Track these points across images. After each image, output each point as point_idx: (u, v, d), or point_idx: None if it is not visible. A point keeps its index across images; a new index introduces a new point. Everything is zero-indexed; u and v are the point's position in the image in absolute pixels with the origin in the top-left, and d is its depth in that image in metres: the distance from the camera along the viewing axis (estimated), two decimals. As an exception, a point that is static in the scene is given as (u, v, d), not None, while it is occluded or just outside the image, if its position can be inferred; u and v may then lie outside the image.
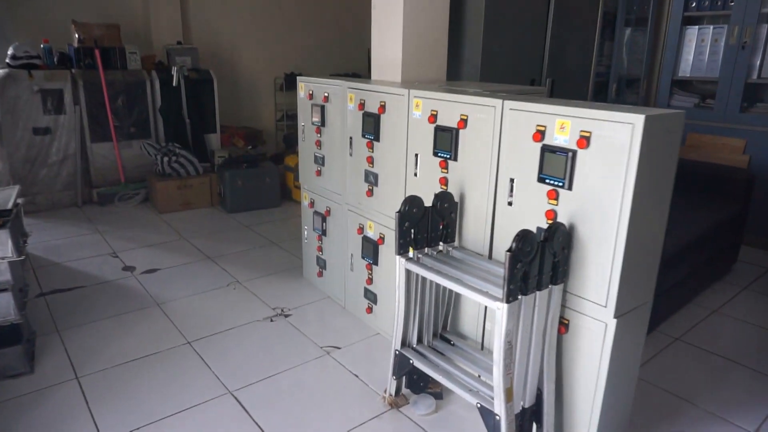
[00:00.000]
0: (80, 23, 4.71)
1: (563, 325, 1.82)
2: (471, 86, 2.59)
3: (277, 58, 6.76)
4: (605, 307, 1.69)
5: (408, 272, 2.00)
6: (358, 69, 7.37)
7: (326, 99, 2.83)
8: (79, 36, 4.66)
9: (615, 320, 1.69)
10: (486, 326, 2.14)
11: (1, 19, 4.96)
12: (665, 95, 4.47)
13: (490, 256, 2.06)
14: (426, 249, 2.06)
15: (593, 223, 1.67)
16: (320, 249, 3.16)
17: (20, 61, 4.43)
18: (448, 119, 2.12)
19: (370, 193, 2.63)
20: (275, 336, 2.75)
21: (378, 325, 2.78)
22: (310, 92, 2.96)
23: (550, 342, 1.80)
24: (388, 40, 2.79)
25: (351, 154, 2.73)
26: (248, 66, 6.54)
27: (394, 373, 2.14)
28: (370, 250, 2.69)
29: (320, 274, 3.20)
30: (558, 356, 1.85)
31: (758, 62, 4.00)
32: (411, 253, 2.01)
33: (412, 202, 1.95)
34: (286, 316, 2.96)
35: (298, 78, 3.09)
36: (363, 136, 2.60)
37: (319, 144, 2.98)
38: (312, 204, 3.15)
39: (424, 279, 2.07)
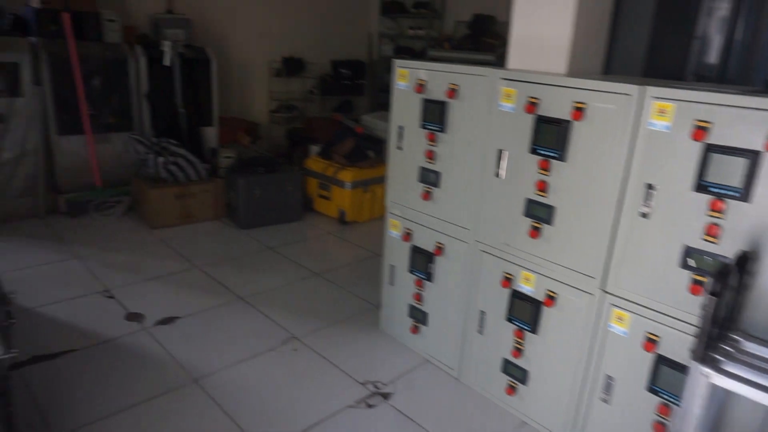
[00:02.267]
0: (43, -21, 3.59)
1: None
2: (691, 85, 1.83)
3: (273, 39, 5.77)
4: None
5: (713, 390, 1.22)
6: (360, 56, 6.51)
7: (454, 94, 2.00)
8: (42, -6, 3.54)
9: None
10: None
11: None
12: None
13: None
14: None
15: None
16: (419, 298, 2.33)
17: (-39, 24, 3.28)
18: (738, 137, 1.35)
19: (536, 233, 1.83)
20: (387, 434, 1.92)
21: (526, 411, 2.00)
22: (421, 82, 2.11)
23: None
24: (549, 14, 1.99)
25: (499, 175, 1.91)
26: (239, 46, 5.52)
27: None
28: (526, 312, 1.90)
29: (415, 330, 2.38)
30: None
31: None
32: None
33: (735, 268, 1.18)
34: (385, 396, 2.12)
35: (397, 62, 2.23)
36: (534, 151, 1.79)
37: (432, 156, 2.14)
38: (408, 236, 2.31)
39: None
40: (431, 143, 2.13)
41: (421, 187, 2.21)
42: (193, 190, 3.75)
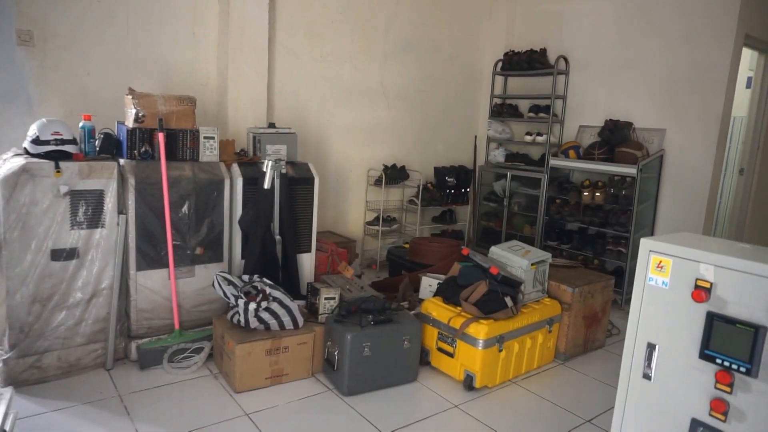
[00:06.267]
0: (140, 93, 3.18)
1: None
2: None
3: (374, 145, 5.25)
4: None
5: None
6: (465, 161, 5.86)
7: (784, 317, 1.14)
8: (137, 112, 3.11)
9: None
10: None
11: (26, 83, 3.46)
12: None
13: None
14: None
15: None
16: None
17: (46, 146, 2.86)
18: None
19: None
20: None
21: None
22: (703, 284, 1.27)
23: None
24: None
25: None
26: (338, 154, 5.02)
27: None
28: None
29: None
30: None
31: None
32: None
33: None
34: None
35: (647, 243, 1.41)
36: None
37: (723, 410, 1.25)
38: None
39: None
40: (723, 387, 1.25)
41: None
42: (287, 342, 3.02)
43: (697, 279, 1.28)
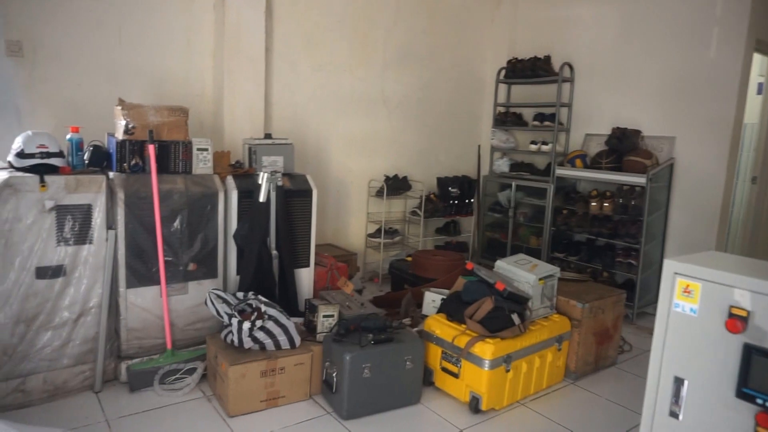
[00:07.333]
0: (130, 104, 3.07)
1: None
2: None
3: (373, 156, 5.13)
4: None
5: None
6: (468, 171, 5.72)
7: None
8: (127, 123, 2.99)
9: None
10: None
11: (14, 95, 3.36)
12: None
13: None
14: None
15: None
16: None
17: (30, 160, 2.74)
18: None
19: None
20: None
21: None
22: (739, 313, 1.13)
23: None
24: None
25: None
26: (337, 166, 4.89)
27: None
28: None
29: None
30: None
31: None
32: None
33: None
34: None
35: (671, 264, 1.27)
36: None
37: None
38: None
39: None
40: (765, 431, 1.10)
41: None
42: (284, 363, 2.87)
43: (731, 306, 1.14)
